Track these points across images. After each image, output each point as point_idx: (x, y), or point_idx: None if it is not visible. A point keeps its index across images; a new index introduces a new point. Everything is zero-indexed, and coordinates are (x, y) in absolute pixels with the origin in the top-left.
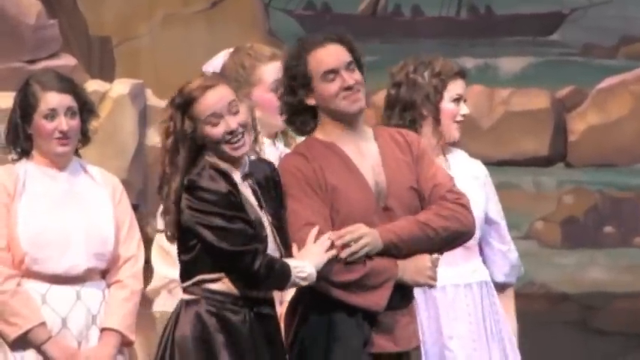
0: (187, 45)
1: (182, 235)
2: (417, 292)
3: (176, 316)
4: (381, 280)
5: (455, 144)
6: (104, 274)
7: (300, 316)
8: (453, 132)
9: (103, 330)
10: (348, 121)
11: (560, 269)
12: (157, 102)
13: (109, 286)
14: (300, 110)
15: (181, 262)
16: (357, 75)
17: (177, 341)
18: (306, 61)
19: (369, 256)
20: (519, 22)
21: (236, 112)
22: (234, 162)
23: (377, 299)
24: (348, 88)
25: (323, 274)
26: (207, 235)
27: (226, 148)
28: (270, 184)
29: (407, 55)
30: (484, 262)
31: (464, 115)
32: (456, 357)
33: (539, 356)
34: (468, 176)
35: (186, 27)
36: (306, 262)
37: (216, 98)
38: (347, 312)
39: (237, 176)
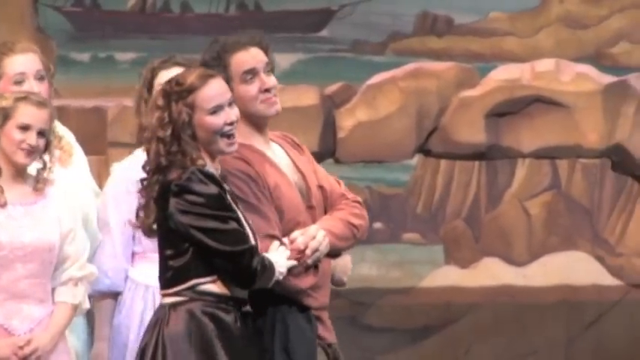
0: None
1: (171, 240)
2: None
3: (163, 316)
4: (325, 279)
5: None
6: None
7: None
8: None
9: None
10: (261, 124)
11: None
12: None
13: None
14: None
15: (170, 267)
16: (273, 79)
17: (170, 339)
18: (227, 62)
19: None
20: (288, 19)
21: (232, 106)
22: (214, 160)
23: (323, 298)
24: (267, 90)
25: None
26: (203, 238)
27: (222, 140)
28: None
29: (176, 51)
30: None
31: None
32: None
33: None
34: None
35: None
36: (279, 257)
37: (219, 88)
38: (298, 307)
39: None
